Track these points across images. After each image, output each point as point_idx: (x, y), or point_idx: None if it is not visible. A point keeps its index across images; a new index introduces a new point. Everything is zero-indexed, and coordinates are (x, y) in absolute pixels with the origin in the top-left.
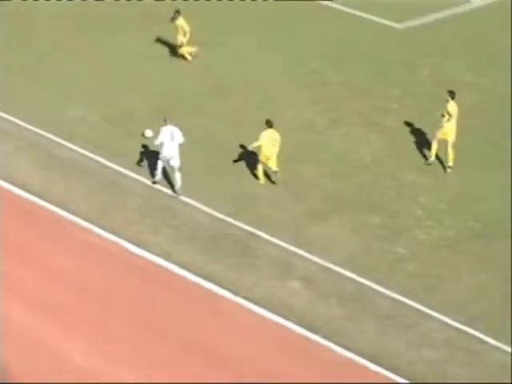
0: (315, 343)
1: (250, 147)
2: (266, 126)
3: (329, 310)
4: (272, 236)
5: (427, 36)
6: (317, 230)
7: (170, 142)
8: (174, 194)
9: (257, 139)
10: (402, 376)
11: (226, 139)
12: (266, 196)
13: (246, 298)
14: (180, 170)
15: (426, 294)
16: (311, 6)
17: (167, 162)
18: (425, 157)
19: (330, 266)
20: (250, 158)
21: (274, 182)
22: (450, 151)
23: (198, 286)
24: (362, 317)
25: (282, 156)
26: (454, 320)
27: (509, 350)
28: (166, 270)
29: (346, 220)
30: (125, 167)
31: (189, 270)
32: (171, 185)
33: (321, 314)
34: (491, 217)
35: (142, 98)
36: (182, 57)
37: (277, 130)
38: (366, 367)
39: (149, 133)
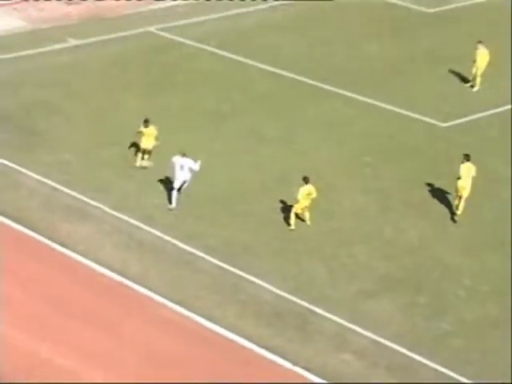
0: None
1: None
2: (303, 182)
3: (377, 380)
4: (328, 312)
5: (470, 134)
6: (369, 307)
7: (179, 171)
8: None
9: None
10: None
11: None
12: (322, 275)
13: (304, 367)
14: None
15: (467, 367)
16: (365, 105)
17: (180, 186)
18: (470, 240)
19: (381, 340)
20: (308, 241)
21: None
22: (461, 204)
23: (262, 356)
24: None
25: (338, 239)
26: None
27: None
28: (232, 341)
29: (396, 299)
30: (196, 248)
31: (253, 342)
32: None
33: (369, 382)
34: None
35: (212, 186)
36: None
37: (333, 216)
38: None
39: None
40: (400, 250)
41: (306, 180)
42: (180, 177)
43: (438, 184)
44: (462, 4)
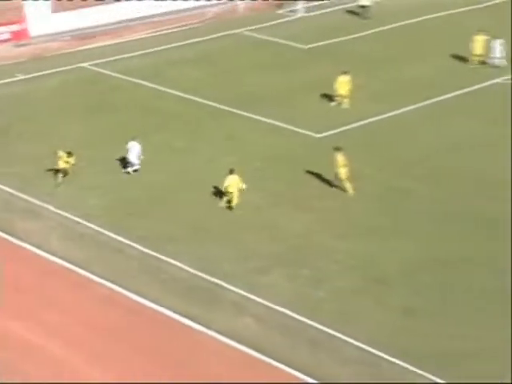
0: (260, 361)
1: (223, 188)
2: (229, 173)
3: (272, 337)
4: (231, 285)
5: (339, 142)
6: (263, 280)
7: (130, 153)
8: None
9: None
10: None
11: (203, 212)
12: (226, 256)
13: (212, 329)
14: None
15: (344, 325)
16: (256, 122)
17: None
18: (343, 226)
19: (273, 305)
20: (216, 229)
21: (231, 208)
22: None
23: (180, 322)
24: (296, 341)
25: (239, 227)
26: (355, 339)
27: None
28: (157, 312)
29: (284, 273)
30: (127, 238)
31: (173, 311)
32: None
33: (265, 340)
34: (384, 269)
35: (139, 189)
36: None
37: (236, 210)
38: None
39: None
40: (288, 235)
41: (231, 172)
42: (130, 157)
43: (316, 182)
44: (332, 41)
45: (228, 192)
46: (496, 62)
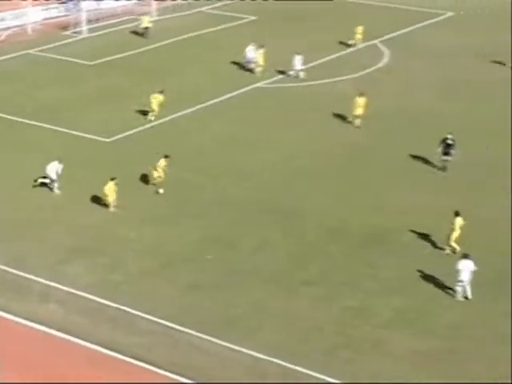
0: (68, 341)
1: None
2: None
3: (76, 319)
4: (36, 276)
5: (128, 146)
6: (65, 269)
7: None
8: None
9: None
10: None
11: (8, 212)
12: (31, 251)
13: (21, 317)
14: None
15: (135, 302)
16: (52, 131)
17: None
18: (134, 218)
19: (75, 291)
20: (20, 228)
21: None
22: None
23: None
24: (97, 320)
25: (38, 224)
26: (149, 314)
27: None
28: None
29: (84, 262)
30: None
31: None
32: None
33: (69, 322)
34: (172, 253)
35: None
36: None
37: (43, 208)
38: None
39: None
40: (86, 230)
41: (112, 179)
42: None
43: (134, 179)
44: (115, 56)
45: (106, 196)
46: (300, 74)
